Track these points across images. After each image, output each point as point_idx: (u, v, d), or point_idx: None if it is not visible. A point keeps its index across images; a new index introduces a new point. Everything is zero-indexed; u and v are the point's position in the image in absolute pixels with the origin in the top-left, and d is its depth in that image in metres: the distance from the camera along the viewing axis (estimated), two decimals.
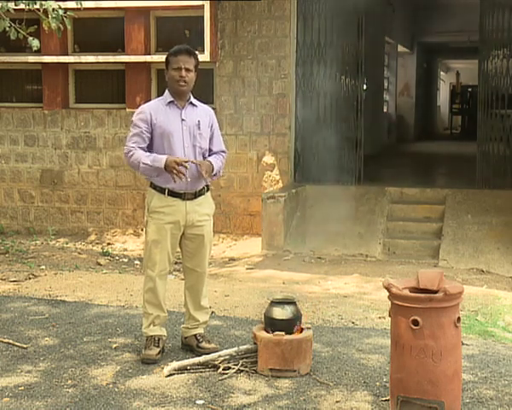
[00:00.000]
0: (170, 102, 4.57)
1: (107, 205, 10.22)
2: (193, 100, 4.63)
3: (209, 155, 4.65)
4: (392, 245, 8.87)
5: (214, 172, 4.59)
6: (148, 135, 4.52)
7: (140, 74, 9.97)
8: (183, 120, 4.55)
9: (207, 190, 4.67)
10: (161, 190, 4.52)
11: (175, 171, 4.36)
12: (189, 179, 4.48)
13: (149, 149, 4.54)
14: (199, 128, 4.57)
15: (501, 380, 4.24)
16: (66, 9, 6.72)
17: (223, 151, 4.75)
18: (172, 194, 4.51)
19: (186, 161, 4.40)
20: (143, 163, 4.45)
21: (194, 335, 4.69)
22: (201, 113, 4.64)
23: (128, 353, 4.71)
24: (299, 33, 9.90)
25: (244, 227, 9.78)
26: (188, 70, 4.50)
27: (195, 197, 4.57)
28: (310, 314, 5.64)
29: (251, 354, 4.37)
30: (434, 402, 3.52)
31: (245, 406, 3.88)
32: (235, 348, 4.44)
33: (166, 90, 4.63)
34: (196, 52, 4.71)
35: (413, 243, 8.87)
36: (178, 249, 4.71)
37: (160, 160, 4.42)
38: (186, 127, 4.54)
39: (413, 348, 3.54)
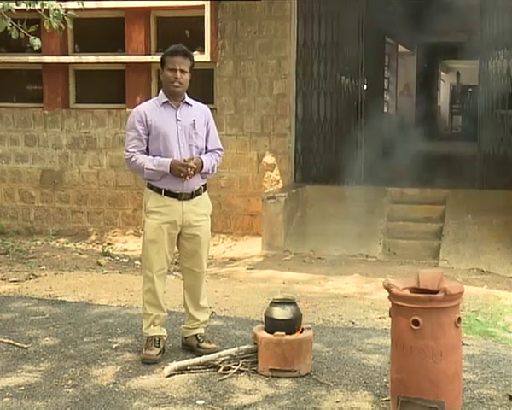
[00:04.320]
0: (164, 103, 4.57)
1: (107, 205, 10.22)
2: (187, 99, 4.63)
3: (205, 153, 4.65)
4: (392, 245, 8.87)
5: (205, 170, 4.57)
6: (146, 136, 4.52)
7: (140, 74, 9.98)
8: (178, 120, 4.54)
9: (204, 190, 4.67)
10: (158, 190, 4.53)
11: (182, 173, 4.39)
12: (187, 178, 4.49)
13: (147, 150, 4.54)
14: (194, 128, 4.56)
15: (501, 380, 4.24)
16: (67, 9, 6.73)
17: (218, 149, 4.74)
18: (169, 194, 4.51)
19: (188, 163, 4.41)
20: (147, 168, 4.46)
21: (195, 335, 4.69)
22: (196, 112, 4.63)
23: (128, 353, 4.71)
24: (300, 34, 9.90)
25: (244, 227, 9.78)
26: (183, 72, 4.50)
27: (192, 197, 4.56)
28: (310, 314, 5.64)
29: (251, 355, 4.37)
30: (435, 402, 3.52)
31: (245, 406, 3.88)
32: (236, 349, 4.44)
33: (161, 91, 4.63)
34: (194, 53, 4.71)
35: (413, 243, 8.86)
36: (177, 250, 4.72)
37: (165, 164, 4.42)
38: (181, 127, 4.53)
39: (413, 349, 3.53)
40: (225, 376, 4.26)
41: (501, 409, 3.85)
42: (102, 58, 10.01)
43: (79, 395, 4.02)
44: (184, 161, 4.44)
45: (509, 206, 8.98)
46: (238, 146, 9.75)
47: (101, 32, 10.40)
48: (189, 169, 4.41)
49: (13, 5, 6.71)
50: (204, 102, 4.82)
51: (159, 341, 4.59)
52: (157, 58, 9.33)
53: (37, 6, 6.63)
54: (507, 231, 8.65)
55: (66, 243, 9.63)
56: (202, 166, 4.54)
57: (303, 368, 4.29)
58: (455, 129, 24.86)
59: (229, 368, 4.32)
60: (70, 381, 4.24)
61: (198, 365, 4.38)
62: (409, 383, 3.57)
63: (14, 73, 10.71)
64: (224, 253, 9.19)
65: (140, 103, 4.84)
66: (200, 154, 4.60)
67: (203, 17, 9.46)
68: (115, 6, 9.84)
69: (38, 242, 9.60)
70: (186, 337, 4.74)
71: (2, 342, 4.92)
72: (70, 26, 6.75)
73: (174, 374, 4.29)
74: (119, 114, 10.06)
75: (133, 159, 4.51)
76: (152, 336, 4.60)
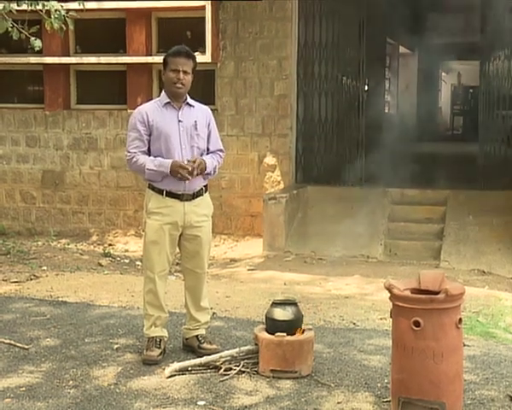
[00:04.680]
0: (166, 104, 4.57)
1: (108, 206, 10.23)
2: (189, 100, 4.63)
3: (206, 154, 4.65)
4: (393, 246, 8.87)
5: (207, 172, 4.57)
6: (148, 137, 4.52)
7: (141, 75, 9.98)
8: (179, 121, 4.54)
9: (206, 191, 4.67)
10: (159, 191, 4.53)
11: (179, 175, 4.39)
12: (186, 180, 4.48)
13: (147, 150, 4.55)
14: (196, 129, 4.56)
15: (502, 381, 4.24)
16: (68, 10, 6.73)
17: (220, 150, 4.74)
18: (170, 195, 4.51)
19: (188, 164, 4.41)
20: (148, 169, 4.46)
21: (196, 336, 4.69)
22: (198, 113, 4.63)
23: (129, 354, 4.71)
24: (301, 34, 9.91)
25: (245, 228, 9.78)
26: (185, 72, 4.50)
27: (193, 198, 4.56)
28: (311, 315, 5.64)
29: (252, 355, 4.37)
30: (436, 403, 3.52)
31: (246, 407, 3.88)
32: (237, 349, 4.44)
33: (163, 91, 4.63)
34: (195, 53, 4.71)
35: (414, 243, 8.86)
36: (178, 250, 4.72)
37: (165, 165, 4.42)
38: (183, 128, 4.53)
39: (414, 349, 3.53)
40: (226, 377, 4.25)
41: None
42: (103, 59, 10.03)
43: (80, 396, 4.03)
44: (188, 161, 4.45)
45: (509, 206, 8.98)
46: (239, 147, 9.75)
47: (103, 32, 10.42)
48: (188, 171, 4.40)
49: (14, 6, 6.71)
50: (205, 103, 4.82)
51: (160, 342, 4.59)
52: (158, 59, 9.41)
53: (39, 7, 6.63)
54: (508, 232, 8.65)
55: (68, 244, 9.63)
56: (205, 168, 4.54)
57: (304, 369, 4.29)
58: (456, 130, 24.83)
59: (230, 369, 4.32)
60: (71, 382, 4.24)
61: (199, 365, 4.38)
62: (410, 383, 3.57)
63: (15, 74, 10.71)
64: (225, 254, 9.19)
65: (141, 104, 4.84)
66: (201, 155, 4.60)
67: (204, 18, 9.48)
68: (116, 7, 9.85)
69: (39, 242, 9.60)
70: (187, 338, 4.74)
71: (4, 342, 4.92)
72: (71, 27, 6.75)
73: (175, 375, 4.28)
74: (120, 114, 10.07)
75: (134, 159, 4.51)
76: (153, 337, 4.60)
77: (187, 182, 4.48)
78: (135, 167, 4.56)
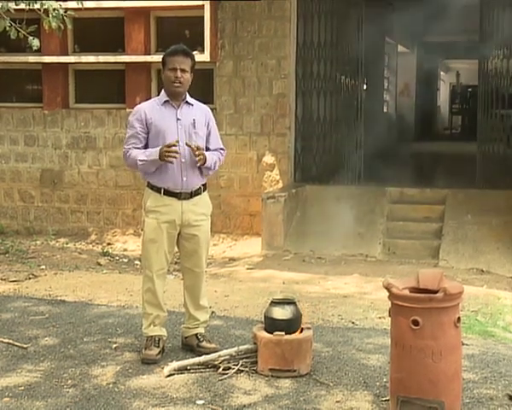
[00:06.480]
0: (165, 102, 4.58)
1: (107, 205, 10.22)
2: (189, 99, 4.64)
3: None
4: (392, 245, 8.87)
5: (208, 166, 4.57)
6: (145, 135, 4.54)
7: (140, 74, 9.97)
8: (178, 119, 4.55)
9: (204, 190, 4.67)
10: (157, 190, 4.54)
11: (167, 154, 4.38)
12: (184, 179, 4.49)
13: (145, 148, 4.55)
14: (194, 127, 4.57)
15: (501, 380, 4.24)
16: (66, 9, 6.72)
17: (221, 149, 4.75)
18: (168, 193, 4.52)
19: (176, 143, 4.41)
20: (140, 160, 4.48)
21: (195, 334, 4.69)
22: (197, 112, 4.64)
23: (128, 353, 4.71)
24: (299, 33, 9.90)
25: (244, 227, 9.78)
26: (183, 71, 4.51)
27: (191, 197, 4.57)
28: (310, 314, 5.63)
29: (251, 354, 4.37)
30: (434, 402, 3.52)
31: (245, 406, 3.88)
32: (236, 348, 4.44)
33: (162, 90, 4.65)
34: (193, 52, 4.72)
35: (413, 242, 8.86)
36: (177, 249, 4.72)
37: (155, 152, 4.44)
38: (181, 126, 4.54)
39: (413, 348, 3.54)
40: (225, 376, 4.26)
41: (501, 409, 3.85)
42: (102, 58, 10.01)
43: (79, 395, 4.03)
44: (186, 144, 4.44)
45: (508, 206, 8.99)
46: (238, 146, 9.75)
47: (101, 31, 10.40)
48: (172, 148, 4.39)
49: (12, 5, 6.70)
50: (204, 102, 4.83)
51: (158, 341, 4.59)
52: (157, 58, 9.40)
53: (37, 6, 6.62)
54: (506, 231, 8.65)
55: (66, 243, 9.63)
56: (205, 160, 4.53)
57: (303, 368, 4.29)
58: (454, 129, 24.86)
59: (229, 368, 4.32)
60: (70, 381, 4.24)
61: (198, 365, 4.38)
62: (408, 382, 3.57)
63: (13, 73, 10.70)
64: (224, 253, 9.19)
65: (140, 103, 4.85)
66: None
67: (203, 17, 9.47)
68: (115, 6, 9.83)
69: (38, 241, 9.60)
70: (186, 337, 4.75)
71: (2, 342, 4.92)
72: (69, 26, 6.76)
73: (174, 374, 4.29)
74: (118, 113, 10.06)
75: (128, 154, 4.56)
76: (152, 336, 4.60)
77: (184, 179, 4.49)
78: (129, 162, 4.60)
